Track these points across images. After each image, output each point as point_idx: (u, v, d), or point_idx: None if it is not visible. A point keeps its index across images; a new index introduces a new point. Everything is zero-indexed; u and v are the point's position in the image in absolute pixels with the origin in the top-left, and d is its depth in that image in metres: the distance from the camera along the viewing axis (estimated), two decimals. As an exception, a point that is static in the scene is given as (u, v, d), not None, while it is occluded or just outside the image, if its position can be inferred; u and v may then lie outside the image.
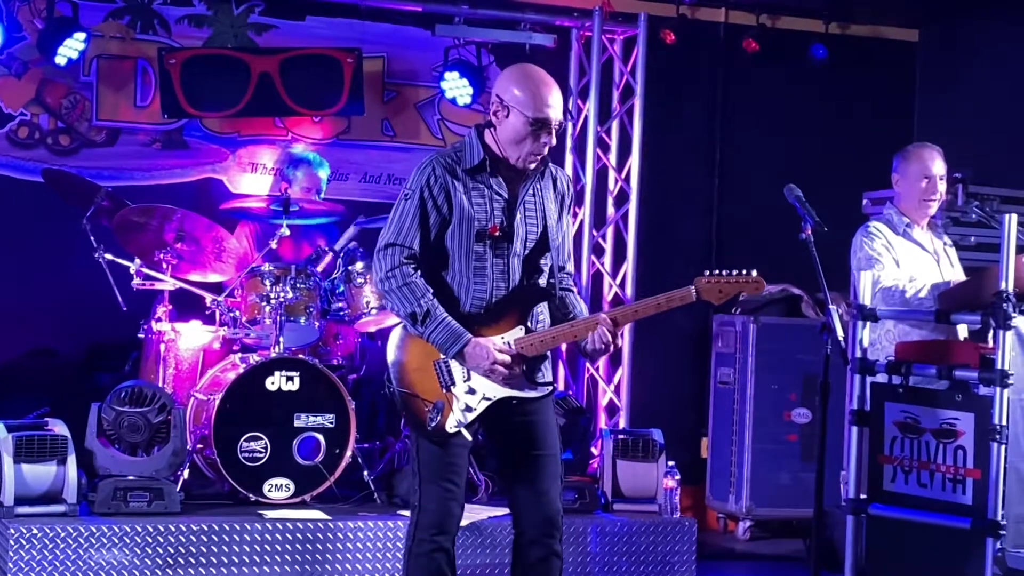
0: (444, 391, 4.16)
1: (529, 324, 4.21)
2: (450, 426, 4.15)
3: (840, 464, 5.91)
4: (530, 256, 4.26)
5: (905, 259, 5.42)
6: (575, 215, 7.54)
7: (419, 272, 4.15)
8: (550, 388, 4.29)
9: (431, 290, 4.13)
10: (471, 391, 4.16)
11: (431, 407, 4.15)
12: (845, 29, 8.23)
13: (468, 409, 4.16)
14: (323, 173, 7.10)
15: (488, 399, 4.17)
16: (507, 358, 4.12)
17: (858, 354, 4.91)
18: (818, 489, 4.66)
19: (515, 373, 4.15)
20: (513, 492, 4.30)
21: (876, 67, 8.30)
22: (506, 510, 6.04)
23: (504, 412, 4.20)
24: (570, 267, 4.42)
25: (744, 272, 4.19)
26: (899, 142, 5.79)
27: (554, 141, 4.18)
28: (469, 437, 4.18)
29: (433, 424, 4.14)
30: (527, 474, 4.24)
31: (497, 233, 4.17)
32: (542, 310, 4.28)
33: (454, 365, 4.16)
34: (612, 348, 4.18)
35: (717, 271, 4.19)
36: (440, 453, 4.17)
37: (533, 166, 4.21)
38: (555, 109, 4.14)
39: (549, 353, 4.30)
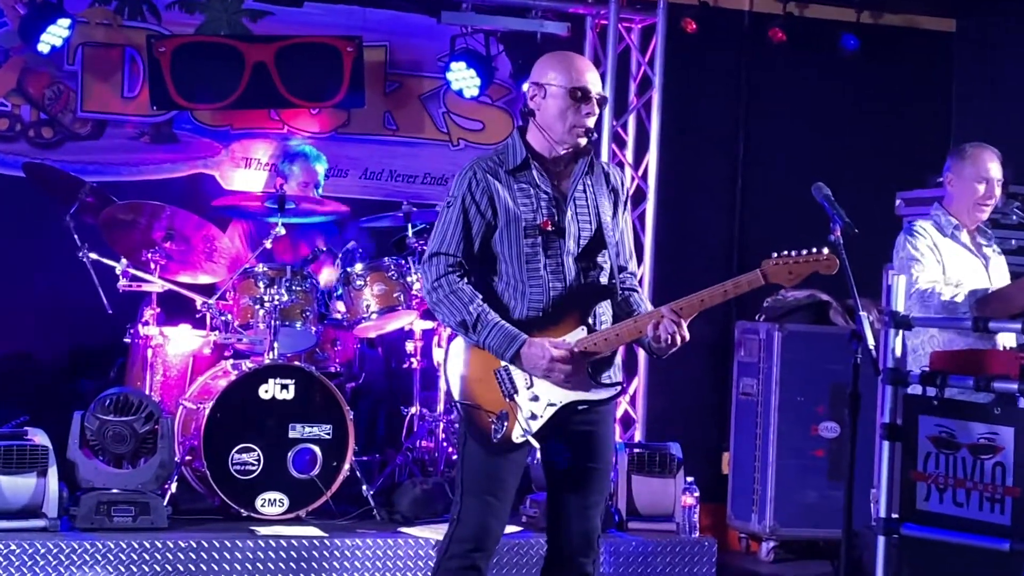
0: (507, 400, 4.19)
1: (591, 323, 4.23)
2: (516, 436, 4.17)
3: (870, 481, 5.89)
4: (585, 255, 4.28)
5: (951, 262, 5.39)
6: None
7: (466, 280, 4.20)
8: (617, 388, 4.30)
9: (479, 295, 4.18)
10: (535, 398, 4.19)
11: (495, 418, 4.18)
12: (878, 18, 8.21)
13: (533, 417, 4.18)
14: (320, 167, 7.11)
15: (553, 404, 4.19)
16: (564, 354, 4.14)
17: (890, 364, 4.88)
18: (847, 508, 4.65)
19: (576, 373, 4.16)
20: (555, 501, 4.33)
21: (910, 59, 8.28)
22: (511, 528, 6.11)
23: (566, 419, 4.21)
24: (632, 266, 4.44)
25: (815, 251, 4.19)
26: (935, 139, 5.77)
27: (597, 110, 4.26)
28: (538, 445, 4.20)
29: (499, 436, 4.17)
30: (576, 485, 4.29)
31: (549, 228, 4.21)
32: (604, 310, 4.29)
33: (515, 372, 4.19)
34: (680, 341, 4.16)
35: (785, 252, 4.19)
36: (489, 465, 4.21)
37: (583, 142, 4.25)
38: (592, 80, 4.26)
39: (620, 352, 4.33)
